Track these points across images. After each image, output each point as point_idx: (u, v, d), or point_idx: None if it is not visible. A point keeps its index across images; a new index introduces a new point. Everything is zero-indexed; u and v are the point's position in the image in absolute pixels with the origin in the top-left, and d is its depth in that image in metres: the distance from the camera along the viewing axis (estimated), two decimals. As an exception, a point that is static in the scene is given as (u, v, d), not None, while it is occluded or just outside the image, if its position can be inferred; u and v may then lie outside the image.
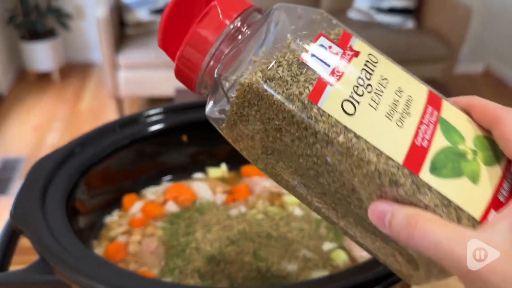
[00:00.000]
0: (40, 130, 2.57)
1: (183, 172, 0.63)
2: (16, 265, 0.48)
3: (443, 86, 2.35)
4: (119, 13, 2.67)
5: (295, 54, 0.29)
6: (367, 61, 0.30)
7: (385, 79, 0.29)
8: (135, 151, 0.57)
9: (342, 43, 0.30)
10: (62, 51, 3.09)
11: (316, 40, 0.29)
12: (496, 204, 0.28)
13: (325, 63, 0.28)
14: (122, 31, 2.73)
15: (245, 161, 0.65)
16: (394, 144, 0.27)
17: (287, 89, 0.28)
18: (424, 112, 0.29)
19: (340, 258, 0.50)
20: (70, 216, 0.46)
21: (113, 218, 0.56)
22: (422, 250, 0.26)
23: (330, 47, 0.29)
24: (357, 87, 0.28)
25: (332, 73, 0.28)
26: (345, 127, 0.27)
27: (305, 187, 0.32)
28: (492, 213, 0.27)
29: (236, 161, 0.65)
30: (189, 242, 0.51)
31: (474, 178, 0.28)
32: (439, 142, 0.28)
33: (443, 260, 0.26)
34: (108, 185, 0.56)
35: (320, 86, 0.28)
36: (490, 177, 0.28)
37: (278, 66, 0.28)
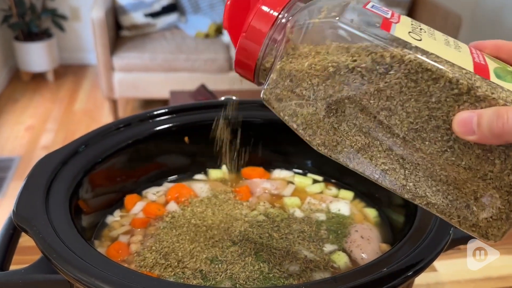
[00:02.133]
0: (34, 130, 2.56)
1: (184, 173, 0.63)
2: (14, 265, 0.48)
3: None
4: (114, 15, 2.67)
5: (357, 5, 0.33)
6: (412, 20, 0.35)
7: (432, 30, 0.34)
8: (138, 151, 0.57)
9: (388, 9, 0.35)
10: (57, 52, 3.08)
11: (368, 3, 0.35)
12: None
13: (383, 12, 0.34)
14: (117, 33, 2.72)
15: (245, 163, 0.66)
16: (461, 59, 0.31)
17: (359, 26, 0.32)
18: (471, 49, 0.34)
19: (341, 260, 0.51)
20: (73, 215, 0.46)
21: (114, 218, 0.56)
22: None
23: (381, 7, 0.35)
24: (414, 28, 0.33)
25: (392, 16, 0.34)
26: (417, 47, 0.31)
27: (370, 148, 0.34)
28: None
29: (236, 163, 0.65)
30: (191, 243, 0.51)
31: None
32: (492, 63, 0.32)
33: None
34: (110, 185, 0.56)
35: (387, 22, 0.33)
36: None
37: (346, 11, 0.33)
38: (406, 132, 0.32)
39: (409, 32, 0.32)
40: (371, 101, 0.32)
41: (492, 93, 0.30)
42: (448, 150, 0.31)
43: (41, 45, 2.92)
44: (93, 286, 0.37)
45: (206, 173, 0.64)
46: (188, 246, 0.51)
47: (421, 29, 0.33)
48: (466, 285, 0.70)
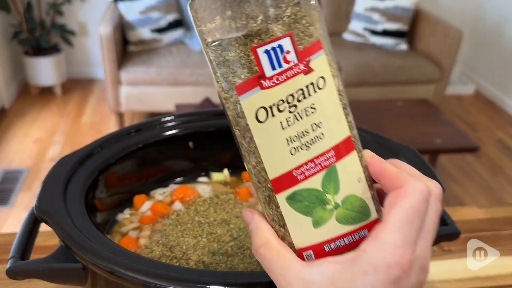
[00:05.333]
0: (42, 143, 2.62)
1: (188, 176, 0.68)
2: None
3: (435, 106, 2.41)
4: (121, 31, 2.75)
5: (250, 42, 0.28)
6: (312, 83, 0.30)
7: (314, 108, 0.30)
8: (147, 154, 0.62)
9: (304, 53, 0.29)
10: (65, 66, 3.16)
11: (280, 38, 0.29)
12: (318, 249, 0.31)
13: (272, 65, 0.29)
14: (125, 49, 2.80)
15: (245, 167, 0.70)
16: (275, 164, 0.30)
17: (225, 66, 0.29)
18: (323, 154, 0.30)
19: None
20: (88, 210, 0.51)
21: (124, 215, 0.61)
22: (261, 262, 0.32)
23: (288, 52, 0.29)
24: (283, 102, 0.29)
25: (271, 78, 0.29)
26: (248, 127, 0.30)
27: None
28: (310, 252, 0.31)
29: (237, 166, 0.70)
30: (194, 238, 0.56)
31: (317, 223, 0.31)
32: (314, 182, 0.30)
33: (272, 277, 0.31)
34: (121, 185, 0.61)
35: (252, 82, 0.29)
36: (331, 230, 0.31)
37: (229, 44, 0.29)
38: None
39: (262, 107, 0.29)
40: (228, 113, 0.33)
41: (264, 203, 0.32)
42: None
43: (50, 60, 3.00)
44: (108, 270, 0.41)
45: (209, 176, 0.69)
46: (191, 240, 0.55)
47: (294, 105, 0.29)
48: (454, 284, 0.74)
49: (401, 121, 2.29)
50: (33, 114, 2.89)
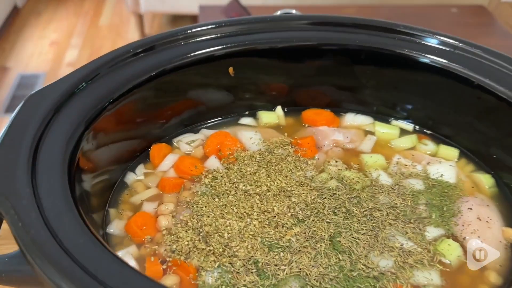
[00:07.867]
0: (58, 46, 2.43)
1: (226, 115, 0.48)
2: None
3: (493, 15, 2.08)
4: None
5: None
6: None
7: None
8: (164, 86, 0.41)
9: None
10: (79, -40, 2.86)
11: None
12: None
13: None
14: None
15: (306, 104, 0.50)
16: None
17: None
18: None
19: (452, 252, 0.36)
20: (72, 177, 0.32)
21: (137, 176, 0.42)
22: None
23: None
24: None
25: None
26: None
27: None
28: None
29: (294, 103, 0.49)
30: (240, 219, 0.37)
31: None
32: None
33: None
34: (127, 130, 0.41)
35: None
36: None
37: None
38: None
39: None
40: None
41: None
42: None
43: (62, -48, 2.69)
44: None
45: (255, 116, 0.49)
46: (236, 223, 0.36)
47: None
48: None
49: (455, 31, 1.98)
50: (48, 14, 2.67)
